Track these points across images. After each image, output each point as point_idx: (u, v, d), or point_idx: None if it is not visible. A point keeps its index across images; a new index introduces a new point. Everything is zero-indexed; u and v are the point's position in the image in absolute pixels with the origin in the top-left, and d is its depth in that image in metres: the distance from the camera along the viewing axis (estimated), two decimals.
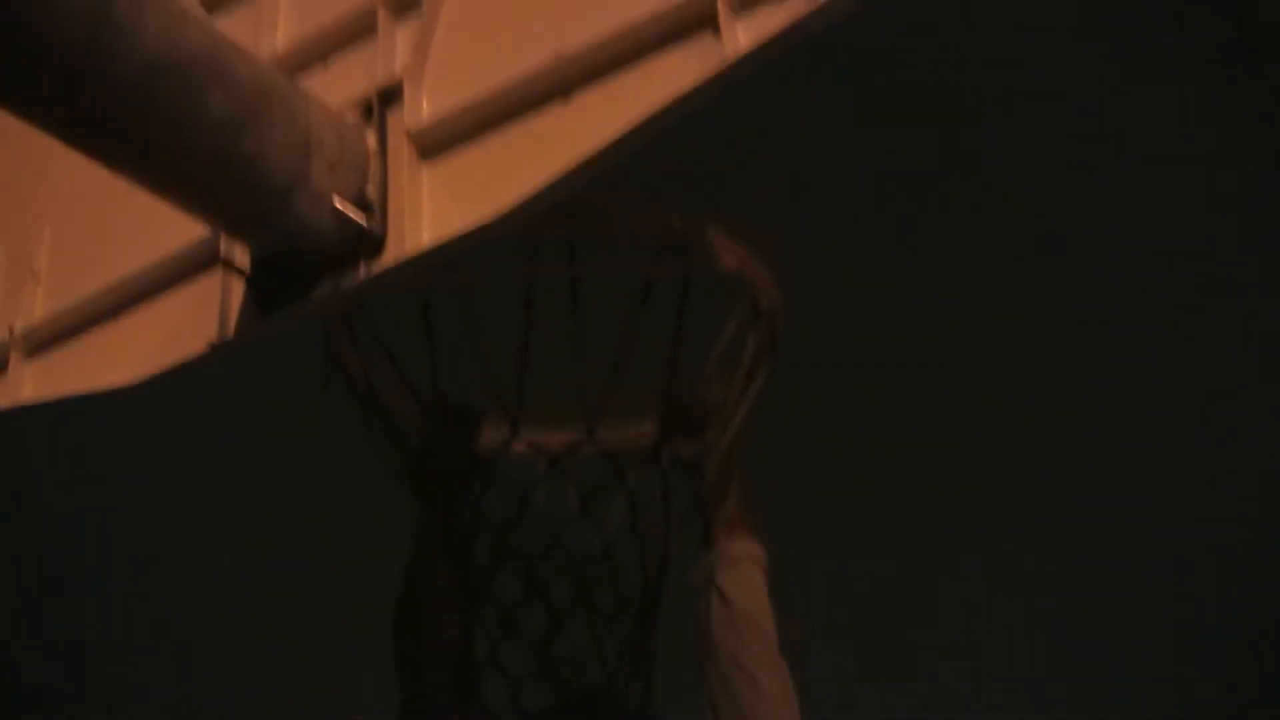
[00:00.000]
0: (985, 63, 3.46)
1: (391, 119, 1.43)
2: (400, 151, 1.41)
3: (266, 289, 1.42)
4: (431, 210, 1.38)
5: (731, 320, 1.73)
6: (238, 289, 1.44)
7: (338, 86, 1.47)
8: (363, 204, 1.39)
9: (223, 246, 1.46)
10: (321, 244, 1.39)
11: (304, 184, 1.35)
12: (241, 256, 1.45)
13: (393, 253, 1.37)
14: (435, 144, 1.41)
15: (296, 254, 1.40)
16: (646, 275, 1.62)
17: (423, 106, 1.42)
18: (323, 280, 1.40)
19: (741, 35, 1.24)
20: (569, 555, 1.94)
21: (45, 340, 1.58)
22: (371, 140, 1.42)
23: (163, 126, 1.25)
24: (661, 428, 1.99)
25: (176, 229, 1.53)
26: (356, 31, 1.51)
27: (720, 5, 1.25)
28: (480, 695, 1.91)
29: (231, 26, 1.50)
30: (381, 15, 1.48)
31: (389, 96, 1.44)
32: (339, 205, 1.36)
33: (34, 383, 1.55)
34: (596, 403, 1.82)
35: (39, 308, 1.60)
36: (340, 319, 1.65)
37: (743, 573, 1.96)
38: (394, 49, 1.47)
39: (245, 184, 1.31)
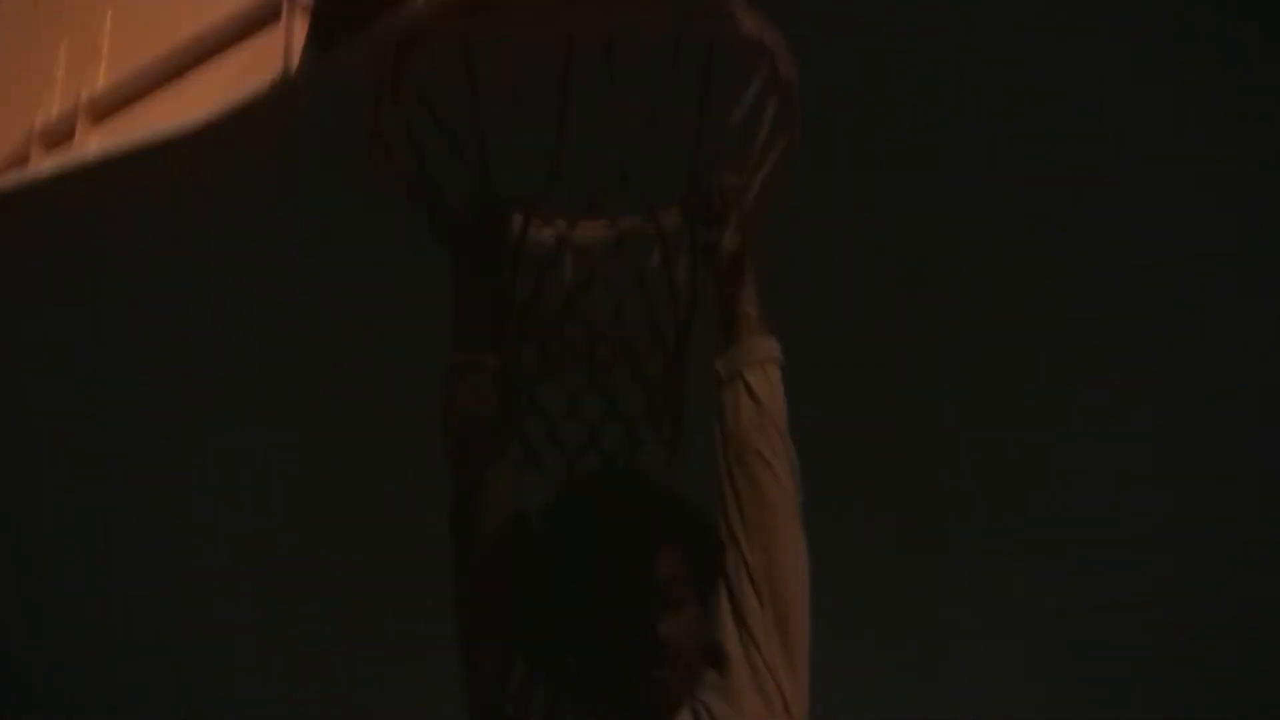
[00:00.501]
0: (983, 60, 3.57)
1: None
2: None
3: (328, 29, 1.52)
4: None
5: (750, 88, 1.82)
6: (300, 35, 1.54)
7: None
8: None
9: None
10: None
11: None
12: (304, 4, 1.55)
13: None
14: None
15: None
16: (674, 29, 1.72)
17: None
18: (381, 15, 1.50)
19: None
20: (602, 309, 2.03)
21: (110, 106, 1.67)
22: None
23: None
24: (683, 212, 2.08)
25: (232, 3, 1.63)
26: None
27: None
28: (522, 437, 2.00)
29: None
30: None
31: None
32: None
33: (100, 141, 1.64)
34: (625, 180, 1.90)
35: (103, 80, 1.69)
36: (387, 84, 1.73)
37: (767, 371, 2.06)
38: None
39: None
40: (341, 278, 3.79)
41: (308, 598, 4.39)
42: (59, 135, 1.65)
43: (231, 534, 4.39)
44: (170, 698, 4.54)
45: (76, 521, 4.43)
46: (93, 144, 1.59)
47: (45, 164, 1.62)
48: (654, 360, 2.04)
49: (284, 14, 1.51)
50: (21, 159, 1.63)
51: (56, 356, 4.11)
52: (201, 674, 4.56)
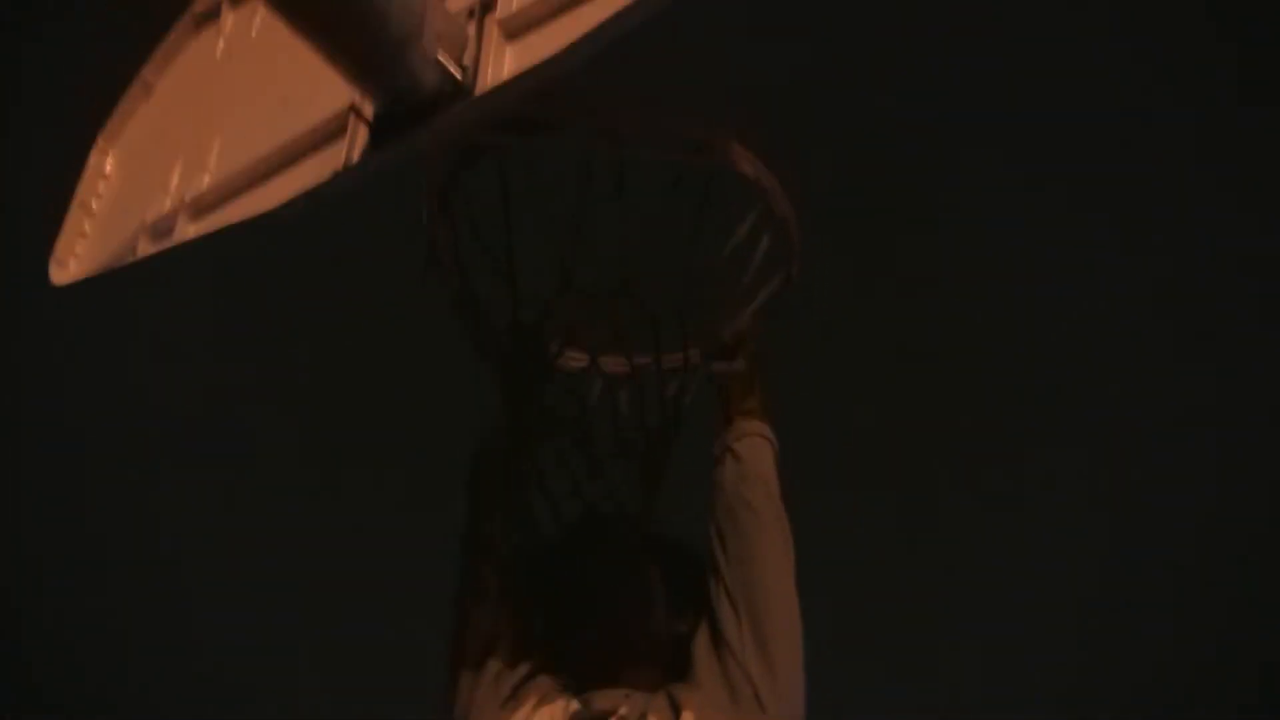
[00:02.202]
0: (979, 86, 3.74)
1: (487, 17, 1.89)
2: (490, 36, 1.86)
3: (382, 134, 1.86)
4: (511, 71, 1.82)
5: (744, 224, 2.10)
6: (361, 138, 1.88)
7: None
8: (460, 68, 1.84)
9: (354, 99, 1.90)
10: (425, 95, 1.83)
11: (416, 43, 1.80)
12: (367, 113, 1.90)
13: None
14: (517, 29, 1.85)
15: (406, 106, 1.85)
16: (680, 161, 2.02)
17: (513, 4, 1.87)
18: (429, 126, 1.83)
19: None
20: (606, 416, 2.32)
21: (207, 205, 2.02)
22: (470, 29, 1.88)
23: None
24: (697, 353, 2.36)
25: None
26: None
27: None
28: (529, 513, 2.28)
29: None
30: None
31: (488, 4, 1.90)
32: (442, 59, 1.81)
33: (196, 230, 1.99)
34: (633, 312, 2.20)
35: (206, 186, 2.05)
36: (437, 209, 2.05)
37: (756, 443, 2.32)
38: None
39: (370, 30, 1.77)
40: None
41: (307, 598, 4.51)
42: (163, 230, 1.99)
43: (231, 534, 4.54)
44: (170, 697, 4.58)
45: (78, 521, 4.60)
46: (190, 232, 1.92)
47: (148, 249, 1.96)
48: (644, 454, 2.32)
49: (350, 126, 1.84)
50: (131, 251, 1.97)
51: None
52: (202, 674, 4.62)
